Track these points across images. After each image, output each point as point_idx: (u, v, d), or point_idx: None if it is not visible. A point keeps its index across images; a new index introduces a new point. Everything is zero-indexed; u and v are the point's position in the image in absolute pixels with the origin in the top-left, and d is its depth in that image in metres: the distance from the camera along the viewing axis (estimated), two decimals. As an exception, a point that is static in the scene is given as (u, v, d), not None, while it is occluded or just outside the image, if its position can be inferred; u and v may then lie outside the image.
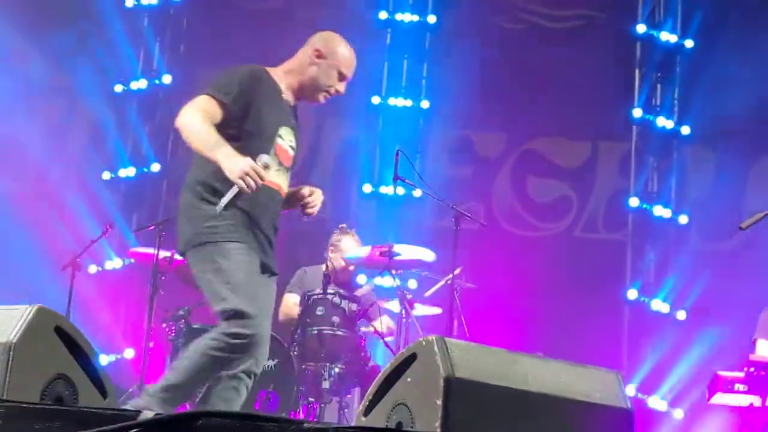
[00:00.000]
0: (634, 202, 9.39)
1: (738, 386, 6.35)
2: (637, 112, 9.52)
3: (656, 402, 8.97)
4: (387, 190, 9.23)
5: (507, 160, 10.05)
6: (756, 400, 6.02)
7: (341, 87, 4.93)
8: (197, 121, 4.51)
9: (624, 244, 9.49)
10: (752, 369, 6.23)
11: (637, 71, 9.69)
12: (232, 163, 4.40)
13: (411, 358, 3.20)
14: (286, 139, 4.80)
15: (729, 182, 9.48)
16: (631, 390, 8.89)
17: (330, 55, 4.87)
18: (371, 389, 3.30)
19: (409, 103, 9.65)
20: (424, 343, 3.17)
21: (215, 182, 4.55)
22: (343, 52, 4.92)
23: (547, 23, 10.00)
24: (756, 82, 8.97)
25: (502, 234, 9.66)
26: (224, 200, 4.49)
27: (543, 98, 9.64)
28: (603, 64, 9.55)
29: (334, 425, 2.15)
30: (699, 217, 9.41)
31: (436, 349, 3.10)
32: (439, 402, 3.02)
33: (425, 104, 9.69)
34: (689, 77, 9.54)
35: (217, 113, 4.60)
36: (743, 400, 6.33)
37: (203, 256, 4.55)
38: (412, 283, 8.25)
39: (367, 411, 3.26)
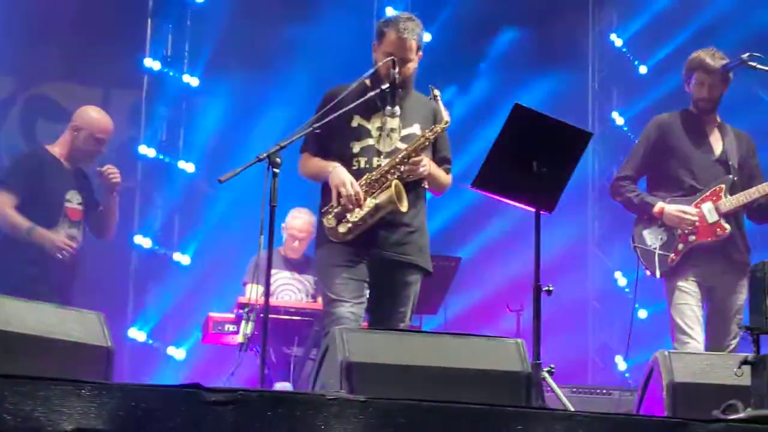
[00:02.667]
0: (143, 150, 9.61)
1: (228, 326, 6.90)
2: (149, 62, 9.71)
3: (156, 343, 9.31)
4: None
5: (15, 104, 9.89)
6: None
7: None
8: None
9: (133, 191, 9.67)
10: (240, 310, 6.81)
11: (149, 21, 9.87)
12: None
13: None
14: None
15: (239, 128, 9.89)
16: (140, 336, 9.17)
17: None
18: None
19: None
20: None
21: None
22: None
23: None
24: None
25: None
26: None
27: (53, 42, 9.54)
28: (117, 12, 9.62)
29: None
30: (207, 165, 9.80)
31: None
32: None
33: None
34: (201, 31, 9.89)
35: None
36: (232, 339, 6.88)
37: None
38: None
39: None
